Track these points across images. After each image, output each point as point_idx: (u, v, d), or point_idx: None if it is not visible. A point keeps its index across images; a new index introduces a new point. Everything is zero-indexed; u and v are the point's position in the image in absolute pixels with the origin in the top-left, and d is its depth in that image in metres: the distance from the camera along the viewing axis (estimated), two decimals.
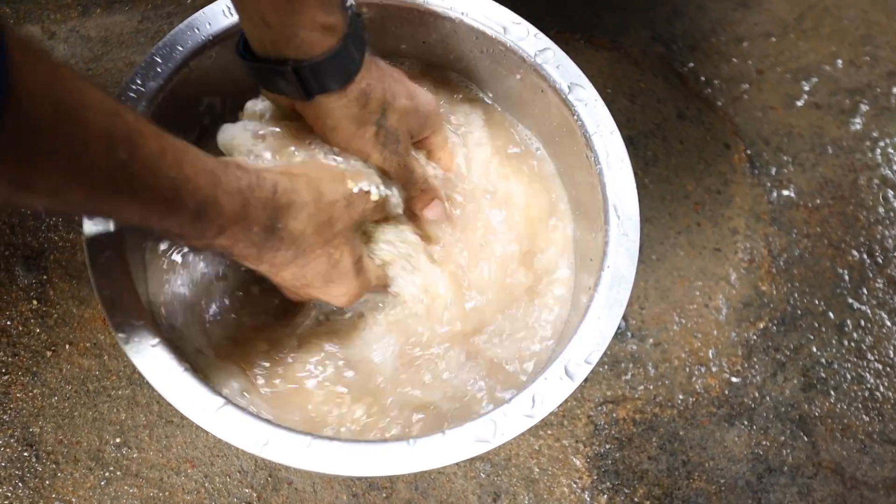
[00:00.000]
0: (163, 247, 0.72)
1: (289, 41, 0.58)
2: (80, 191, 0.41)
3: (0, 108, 0.34)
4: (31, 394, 0.82)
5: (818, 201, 0.97)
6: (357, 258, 0.63)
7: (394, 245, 0.69)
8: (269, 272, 0.59)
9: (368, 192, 0.63)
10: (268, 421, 0.59)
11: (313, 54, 0.58)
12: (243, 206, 0.52)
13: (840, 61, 1.04)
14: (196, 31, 0.70)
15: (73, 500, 0.78)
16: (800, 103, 1.02)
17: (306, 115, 0.65)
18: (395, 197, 0.68)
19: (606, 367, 0.87)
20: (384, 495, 0.80)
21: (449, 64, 0.79)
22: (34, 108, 0.36)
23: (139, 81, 0.68)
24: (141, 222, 0.47)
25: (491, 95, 0.80)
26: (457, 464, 0.81)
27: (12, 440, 0.80)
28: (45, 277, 0.86)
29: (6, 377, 0.82)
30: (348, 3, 0.59)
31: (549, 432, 0.84)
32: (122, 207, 0.45)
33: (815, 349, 0.90)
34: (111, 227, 0.63)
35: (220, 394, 0.60)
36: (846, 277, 0.93)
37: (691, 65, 1.03)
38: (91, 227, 0.63)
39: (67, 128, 0.39)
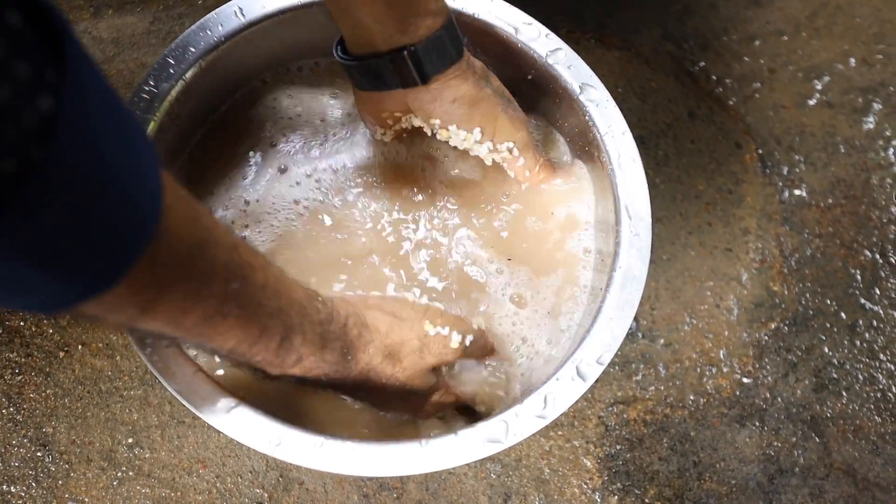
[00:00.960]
0: None
1: (405, 31, 0.61)
2: (194, 317, 0.44)
3: (147, 242, 0.37)
4: (44, 394, 0.82)
5: (830, 201, 0.96)
6: (430, 386, 0.65)
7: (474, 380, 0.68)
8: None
9: (447, 338, 0.64)
10: (280, 421, 0.59)
11: (426, 36, 0.62)
12: (322, 337, 0.55)
13: (853, 60, 1.04)
14: (208, 32, 0.70)
15: (87, 499, 0.79)
16: (812, 102, 1.01)
17: (419, 102, 0.67)
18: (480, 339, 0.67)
19: (617, 367, 0.87)
20: (395, 496, 0.80)
21: None
22: (174, 245, 0.39)
23: (152, 83, 0.68)
24: (233, 349, 0.50)
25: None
26: (467, 464, 0.81)
27: (26, 440, 0.80)
28: None
29: (20, 377, 0.83)
30: None
31: (560, 433, 0.84)
32: (222, 333, 0.48)
33: (826, 350, 0.89)
34: None
35: (232, 394, 0.60)
36: (858, 277, 0.92)
37: (702, 64, 1.03)
38: None
39: (198, 263, 0.42)
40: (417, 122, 0.70)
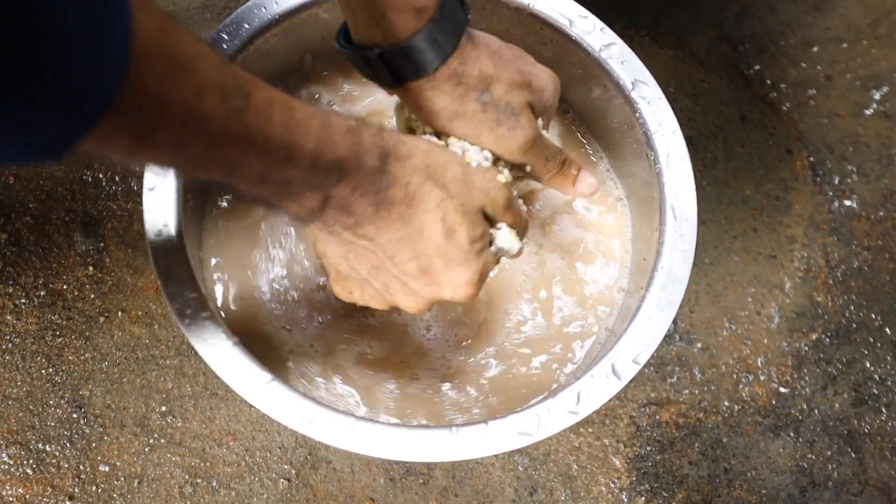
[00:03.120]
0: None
1: (377, 24, 0.57)
2: (200, 142, 0.41)
3: (123, 60, 0.34)
4: (82, 357, 0.84)
5: (881, 213, 0.94)
6: (476, 238, 0.57)
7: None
8: (389, 250, 0.54)
9: (495, 170, 0.60)
10: (313, 399, 0.59)
11: (401, 38, 0.57)
12: (355, 143, 0.50)
13: None
14: (263, 9, 0.71)
15: (118, 463, 0.80)
16: (868, 112, 0.99)
17: (406, 101, 0.63)
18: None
19: (652, 368, 0.86)
20: (421, 481, 0.81)
21: None
22: (151, 59, 0.36)
23: None
24: (263, 175, 0.46)
25: None
26: (495, 455, 0.81)
27: (63, 401, 0.82)
28: (101, 245, 0.87)
29: (60, 339, 0.84)
30: None
31: (590, 430, 0.83)
32: (243, 159, 0.44)
33: (868, 364, 0.87)
34: (170, 198, 0.64)
35: (267, 369, 0.60)
36: None
37: (757, 67, 1.01)
38: (150, 197, 0.64)
39: (184, 77, 0.39)
40: None
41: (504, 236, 0.59)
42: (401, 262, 0.55)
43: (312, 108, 0.49)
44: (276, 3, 0.71)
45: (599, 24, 0.73)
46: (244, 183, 0.47)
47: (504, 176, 0.60)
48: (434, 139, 0.62)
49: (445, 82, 0.59)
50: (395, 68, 0.58)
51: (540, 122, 0.67)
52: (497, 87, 0.61)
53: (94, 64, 0.33)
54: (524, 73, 0.63)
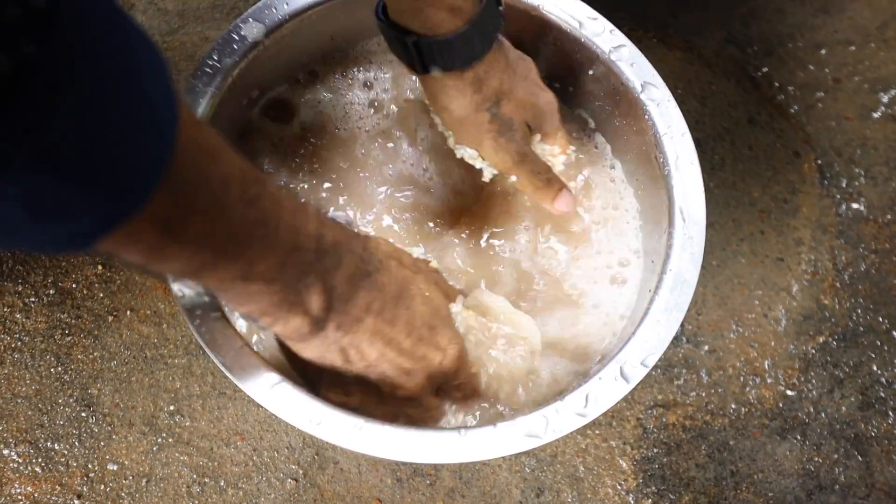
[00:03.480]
0: None
1: (415, 14, 0.60)
2: (223, 230, 0.42)
3: (168, 152, 0.35)
4: (91, 356, 0.84)
5: (889, 217, 0.94)
6: (445, 305, 0.62)
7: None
8: (388, 335, 0.57)
9: (427, 261, 0.65)
10: (322, 401, 0.60)
11: (436, 32, 0.60)
12: (344, 230, 0.54)
13: None
14: (273, 9, 0.71)
15: (126, 462, 0.80)
16: (876, 115, 0.99)
17: (424, 87, 0.67)
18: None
19: (659, 370, 0.86)
20: (428, 482, 0.81)
21: None
22: (190, 150, 0.37)
23: (216, 57, 0.69)
24: (280, 264, 0.48)
25: (557, 87, 0.79)
26: (503, 457, 0.81)
27: (72, 399, 0.82)
28: None
29: (69, 338, 0.84)
30: None
31: (597, 432, 0.83)
32: (259, 245, 0.46)
33: (875, 368, 0.87)
34: None
35: (276, 370, 0.60)
36: None
37: (765, 69, 1.01)
38: None
39: (213, 167, 0.40)
40: None
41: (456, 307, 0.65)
42: (399, 341, 0.58)
43: (307, 204, 0.52)
44: (287, 3, 0.71)
45: (609, 25, 0.73)
46: (261, 281, 0.48)
47: (435, 263, 0.66)
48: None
49: (469, 85, 0.63)
50: (426, 57, 0.61)
51: (538, 137, 0.72)
52: (506, 103, 0.66)
53: (141, 155, 0.34)
54: (531, 92, 0.68)
